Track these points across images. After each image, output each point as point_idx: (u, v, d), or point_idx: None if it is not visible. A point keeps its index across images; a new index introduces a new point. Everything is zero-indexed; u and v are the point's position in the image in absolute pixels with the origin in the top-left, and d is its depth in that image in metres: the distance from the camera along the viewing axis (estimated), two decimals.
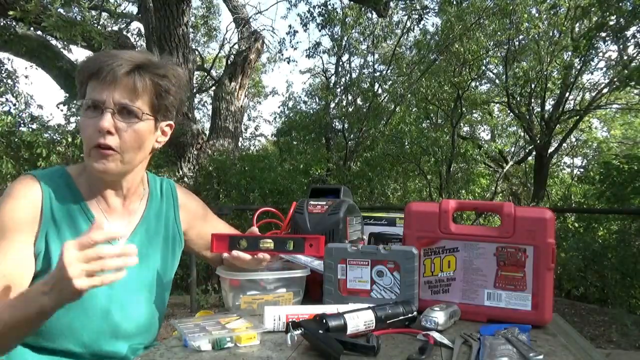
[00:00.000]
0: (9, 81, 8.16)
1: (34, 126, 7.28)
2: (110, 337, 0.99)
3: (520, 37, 9.05)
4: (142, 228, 1.08)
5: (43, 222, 0.94)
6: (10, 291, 0.89)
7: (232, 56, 8.05)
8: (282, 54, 8.96)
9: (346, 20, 9.51)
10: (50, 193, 0.96)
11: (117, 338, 1.01)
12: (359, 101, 10.42)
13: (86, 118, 0.95)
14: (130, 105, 0.95)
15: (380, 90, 9.84)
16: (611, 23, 5.80)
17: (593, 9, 6.08)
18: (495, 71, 10.34)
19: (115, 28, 8.11)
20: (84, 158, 0.98)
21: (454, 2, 7.19)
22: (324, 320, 0.92)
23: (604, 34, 6.16)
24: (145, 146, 1.01)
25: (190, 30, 7.46)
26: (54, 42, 7.12)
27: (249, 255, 1.03)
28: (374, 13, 7.97)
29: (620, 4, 5.42)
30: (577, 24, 8.34)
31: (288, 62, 11.30)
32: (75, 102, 7.51)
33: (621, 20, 5.59)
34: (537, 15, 8.67)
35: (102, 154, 0.95)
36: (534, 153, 10.12)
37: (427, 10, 8.10)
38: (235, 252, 1.02)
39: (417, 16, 8.18)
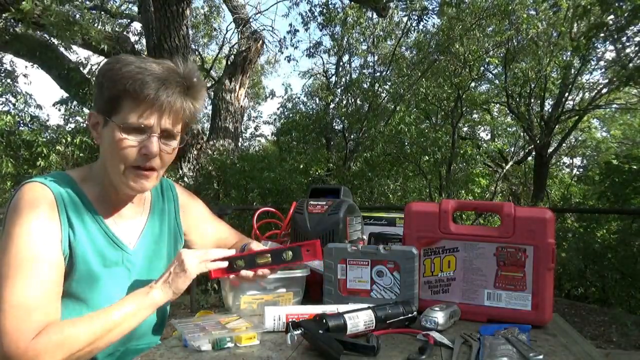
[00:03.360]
0: (9, 80, 8.16)
1: (34, 126, 7.29)
2: (124, 341, 0.99)
3: (520, 37, 9.05)
4: (148, 231, 1.09)
5: (63, 227, 0.93)
6: (54, 292, 0.90)
7: (232, 56, 8.05)
8: (282, 52, 8.96)
9: (347, 20, 9.50)
10: (63, 198, 0.94)
11: (129, 341, 1.02)
12: (358, 101, 10.42)
13: (127, 136, 0.93)
14: (173, 130, 0.97)
15: (380, 90, 9.84)
16: (610, 23, 5.79)
17: (592, 9, 6.07)
18: (495, 71, 10.35)
19: (116, 28, 8.11)
20: (112, 174, 0.97)
21: (453, 3, 7.19)
22: (324, 320, 0.92)
23: (603, 35, 6.15)
24: None
25: (191, 30, 7.46)
26: (54, 42, 7.13)
27: (252, 272, 1.02)
28: (374, 13, 7.98)
29: (621, 4, 5.41)
30: (576, 24, 8.33)
31: (288, 61, 11.29)
32: (79, 105, 7.50)
33: (621, 19, 5.58)
34: (536, 15, 8.67)
35: (141, 174, 0.96)
36: (534, 153, 10.12)
37: (427, 11, 8.10)
38: (244, 272, 1.02)
39: (416, 17, 8.19)
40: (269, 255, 1.03)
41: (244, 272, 1.01)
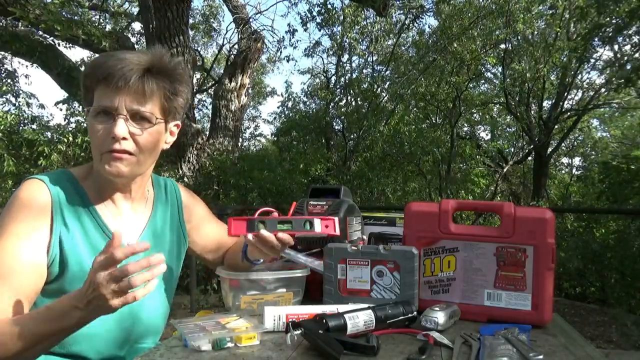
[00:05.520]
0: (10, 80, 8.16)
1: (34, 126, 7.29)
2: (122, 342, 1.00)
3: (519, 37, 9.06)
4: (149, 231, 1.08)
5: (55, 227, 0.92)
6: (23, 304, 0.89)
7: (232, 56, 8.05)
8: (281, 52, 8.94)
9: (345, 19, 9.50)
10: (60, 197, 0.94)
11: (129, 342, 1.02)
12: (358, 101, 10.43)
13: (97, 124, 0.93)
14: (143, 111, 0.94)
15: (379, 90, 9.85)
16: (608, 24, 5.79)
17: (590, 10, 6.06)
18: (493, 71, 10.36)
19: (117, 28, 8.12)
20: (95, 163, 0.97)
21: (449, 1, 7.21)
22: (324, 320, 0.92)
23: (600, 35, 6.16)
24: (157, 148, 1.02)
25: (190, 30, 7.45)
26: (54, 41, 7.12)
27: (272, 234, 1.00)
28: (373, 12, 7.98)
29: (618, 5, 5.42)
30: (573, 25, 8.35)
31: (287, 61, 11.29)
32: (79, 105, 7.50)
33: (618, 21, 5.59)
34: (531, 15, 8.67)
35: (115, 157, 0.94)
36: (533, 153, 10.13)
37: (423, 10, 8.11)
38: (264, 232, 0.98)
39: (412, 16, 8.20)
40: (290, 223, 1.04)
41: (264, 232, 0.99)
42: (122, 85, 0.91)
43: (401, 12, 8.77)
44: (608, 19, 5.68)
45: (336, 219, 1.07)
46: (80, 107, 7.72)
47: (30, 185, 0.93)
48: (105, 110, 0.93)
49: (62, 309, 0.84)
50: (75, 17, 6.04)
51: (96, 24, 6.33)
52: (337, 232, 1.07)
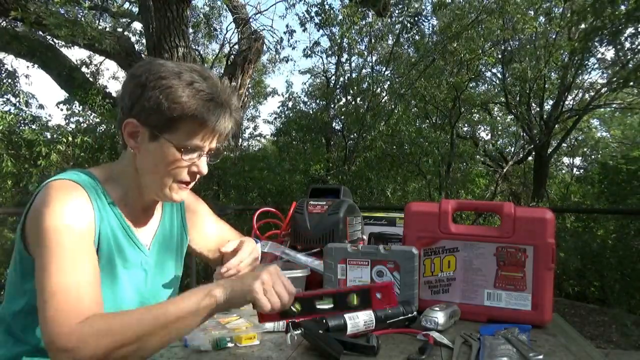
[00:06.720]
0: (10, 80, 8.15)
1: (34, 126, 7.28)
2: None
3: (519, 36, 9.07)
4: (160, 234, 1.09)
5: (96, 229, 0.92)
6: (100, 296, 0.87)
7: (232, 56, 8.05)
8: (280, 53, 8.93)
9: (344, 20, 9.48)
10: (96, 200, 0.94)
11: None
12: (358, 101, 10.43)
13: (183, 157, 0.94)
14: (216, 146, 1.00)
15: (379, 90, 9.85)
16: (607, 25, 5.79)
17: (587, 14, 6.06)
18: (493, 70, 10.37)
19: (117, 28, 8.12)
20: (156, 187, 0.97)
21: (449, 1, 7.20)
22: (324, 320, 0.92)
23: (598, 37, 6.17)
24: None
25: (191, 29, 7.45)
26: (54, 42, 7.13)
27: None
28: (372, 13, 7.99)
29: (615, 8, 5.43)
30: (573, 26, 8.35)
31: (287, 62, 11.28)
32: (80, 105, 7.50)
33: (617, 23, 5.59)
34: (531, 15, 8.66)
35: (184, 187, 0.99)
36: (533, 153, 10.14)
37: (420, 17, 8.13)
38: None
39: (409, 24, 8.21)
40: (332, 298, 0.87)
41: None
42: (222, 133, 0.97)
43: (399, 13, 8.78)
44: (606, 21, 5.68)
45: (392, 284, 0.92)
46: (81, 108, 7.70)
47: (63, 183, 0.91)
48: (195, 149, 0.95)
49: (200, 288, 0.86)
50: (78, 17, 6.03)
51: (96, 25, 6.33)
52: (394, 303, 0.91)
